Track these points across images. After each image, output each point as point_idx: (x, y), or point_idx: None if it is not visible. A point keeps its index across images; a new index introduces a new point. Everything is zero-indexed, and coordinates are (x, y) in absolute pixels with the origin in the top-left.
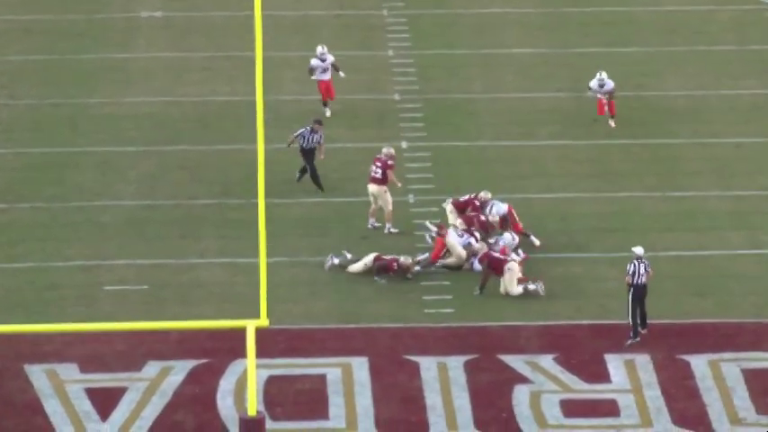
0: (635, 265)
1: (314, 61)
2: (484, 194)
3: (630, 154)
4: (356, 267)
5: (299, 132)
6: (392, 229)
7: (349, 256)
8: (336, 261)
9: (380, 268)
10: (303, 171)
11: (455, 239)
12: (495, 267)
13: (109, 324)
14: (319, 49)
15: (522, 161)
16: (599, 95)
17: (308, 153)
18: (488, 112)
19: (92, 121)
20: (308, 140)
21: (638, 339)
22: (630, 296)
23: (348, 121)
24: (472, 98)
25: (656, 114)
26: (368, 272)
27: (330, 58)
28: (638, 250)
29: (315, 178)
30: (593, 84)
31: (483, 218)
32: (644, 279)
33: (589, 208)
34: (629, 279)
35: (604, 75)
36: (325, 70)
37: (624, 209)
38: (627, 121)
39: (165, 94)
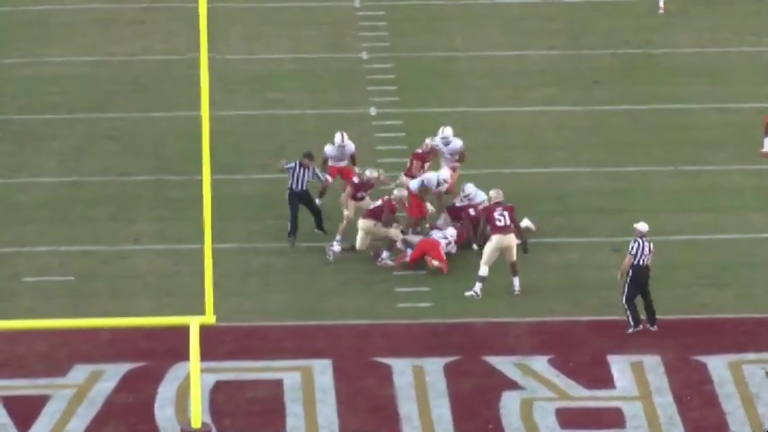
0: (639, 244)
1: (329, 150)
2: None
3: (636, 121)
4: (360, 245)
5: (287, 166)
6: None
7: (339, 248)
8: (338, 248)
9: (382, 219)
10: (295, 229)
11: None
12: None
13: (28, 322)
14: (338, 138)
15: (511, 130)
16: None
17: (301, 197)
18: (470, 73)
19: (7, 85)
20: (298, 180)
21: (641, 327)
22: (629, 278)
23: (307, 84)
24: (451, 56)
25: (666, 75)
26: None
27: (350, 148)
28: (642, 226)
29: (319, 219)
30: (436, 141)
31: (472, 212)
32: (647, 260)
33: (588, 184)
34: (630, 259)
35: (449, 131)
36: (340, 160)
37: (629, 185)
38: (633, 83)
39: (92, 53)
